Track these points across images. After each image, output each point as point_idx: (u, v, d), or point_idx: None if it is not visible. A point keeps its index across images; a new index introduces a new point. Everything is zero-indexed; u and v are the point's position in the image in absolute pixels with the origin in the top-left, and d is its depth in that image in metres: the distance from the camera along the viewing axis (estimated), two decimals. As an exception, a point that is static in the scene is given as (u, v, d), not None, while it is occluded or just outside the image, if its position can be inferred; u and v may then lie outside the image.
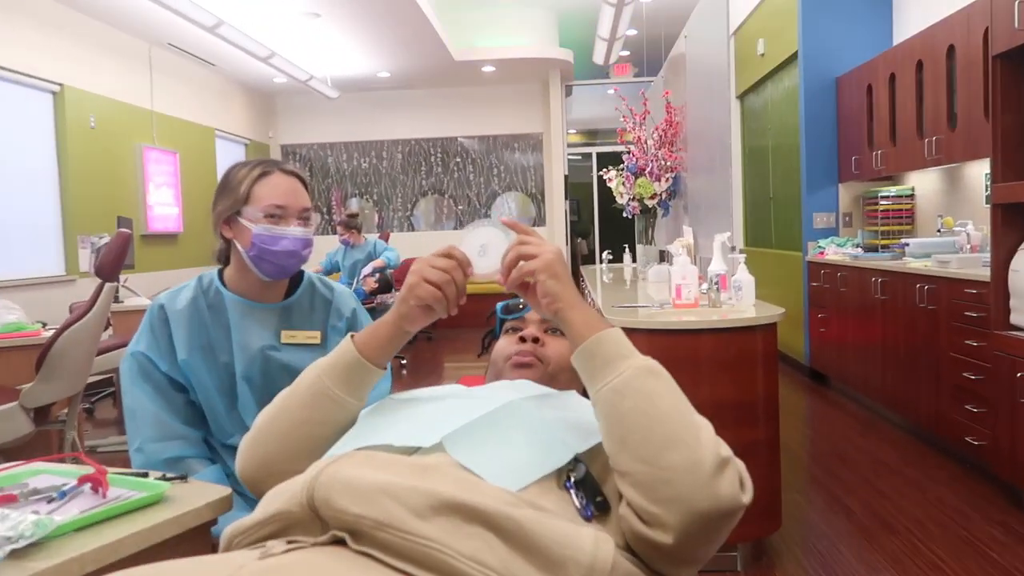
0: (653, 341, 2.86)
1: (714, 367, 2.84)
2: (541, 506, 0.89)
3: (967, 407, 3.79)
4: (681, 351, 2.85)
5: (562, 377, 1.27)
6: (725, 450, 0.91)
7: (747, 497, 0.91)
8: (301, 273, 1.85)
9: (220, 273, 1.78)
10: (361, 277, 6.55)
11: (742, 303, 3.17)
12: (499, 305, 1.39)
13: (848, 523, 3.29)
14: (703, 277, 3.51)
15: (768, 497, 2.97)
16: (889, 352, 4.73)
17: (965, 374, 3.78)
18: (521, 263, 1.02)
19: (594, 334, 0.97)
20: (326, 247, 7.57)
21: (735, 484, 0.89)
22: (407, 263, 7.73)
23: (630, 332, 2.99)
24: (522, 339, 1.28)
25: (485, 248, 1.06)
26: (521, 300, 1.34)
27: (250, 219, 1.66)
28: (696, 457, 0.87)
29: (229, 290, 1.75)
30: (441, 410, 1.04)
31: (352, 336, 1.13)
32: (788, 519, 3.27)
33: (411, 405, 1.09)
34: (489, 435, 0.98)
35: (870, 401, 5.19)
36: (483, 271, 1.05)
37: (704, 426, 0.92)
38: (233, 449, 1.65)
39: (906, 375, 4.50)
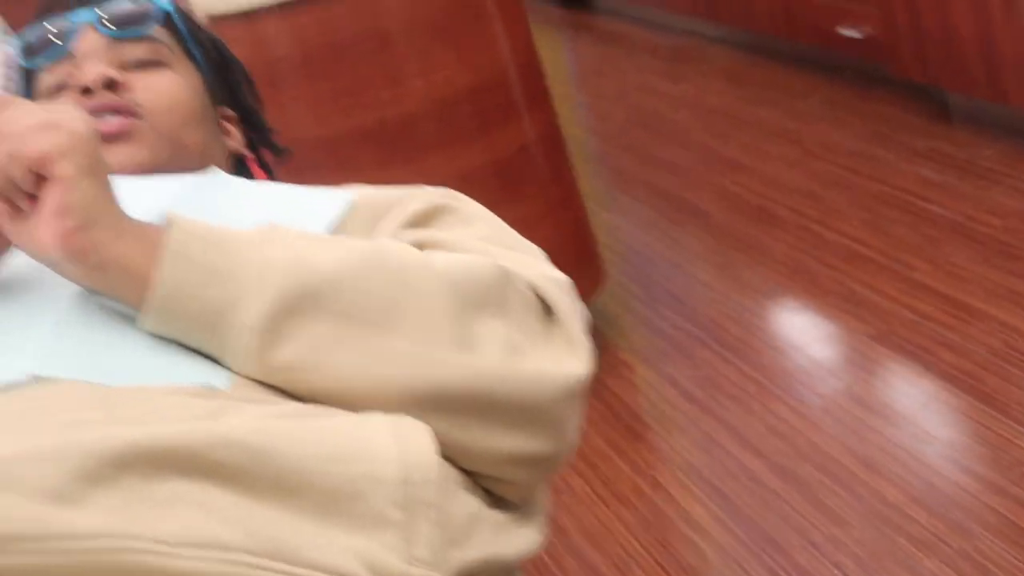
0: (288, 23, 2.77)
1: (418, 38, 2.89)
2: (270, 399, 0.94)
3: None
4: (346, 23, 2.83)
5: (189, 136, 1.31)
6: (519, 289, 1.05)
7: (582, 361, 1.05)
8: None
9: None
10: None
11: None
12: (15, 44, 1.36)
13: (706, 235, 3.51)
14: None
15: (574, 236, 3.10)
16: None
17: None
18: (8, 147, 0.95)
19: (155, 271, 0.97)
20: None
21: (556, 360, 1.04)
22: None
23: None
24: (86, 91, 1.25)
25: None
26: (56, 27, 1.31)
27: None
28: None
29: None
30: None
31: None
32: (612, 262, 3.39)
33: None
34: (108, 319, 0.99)
35: (668, 16, 5.43)
36: None
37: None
38: None
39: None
